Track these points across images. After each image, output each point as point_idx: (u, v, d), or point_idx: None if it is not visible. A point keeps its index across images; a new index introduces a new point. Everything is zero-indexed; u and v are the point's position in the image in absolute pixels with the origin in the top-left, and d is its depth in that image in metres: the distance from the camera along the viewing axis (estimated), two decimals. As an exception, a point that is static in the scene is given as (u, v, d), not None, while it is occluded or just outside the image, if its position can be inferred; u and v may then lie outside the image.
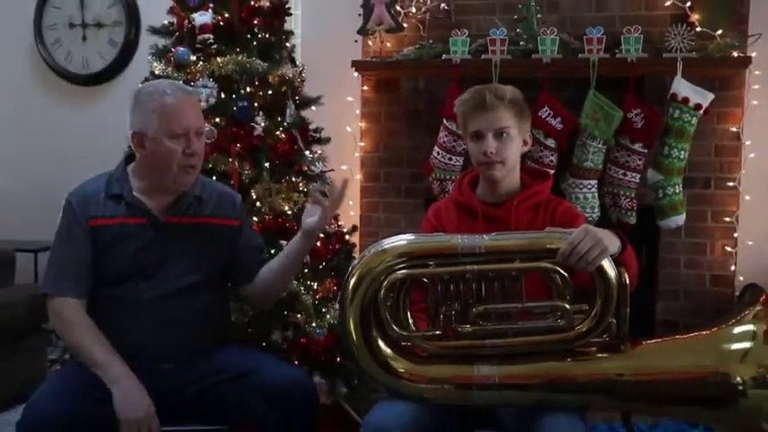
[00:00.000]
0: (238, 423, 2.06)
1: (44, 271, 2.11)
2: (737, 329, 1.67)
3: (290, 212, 2.81)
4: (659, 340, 1.81)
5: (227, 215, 2.20)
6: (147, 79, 2.97)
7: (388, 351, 1.70)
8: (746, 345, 1.64)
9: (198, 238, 2.11)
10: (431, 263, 1.70)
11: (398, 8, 3.50)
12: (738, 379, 1.59)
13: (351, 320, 1.69)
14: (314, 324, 2.73)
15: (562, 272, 1.68)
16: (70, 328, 2.00)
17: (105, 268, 2.04)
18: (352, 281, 1.69)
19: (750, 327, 1.66)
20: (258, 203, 2.77)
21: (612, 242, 1.69)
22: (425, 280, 1.74)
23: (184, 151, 2.01)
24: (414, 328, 1.75)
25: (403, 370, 1.69)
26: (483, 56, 3.33)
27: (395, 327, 1.69)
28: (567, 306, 1.68)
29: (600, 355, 1.71)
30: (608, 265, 1.66)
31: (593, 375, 1.68)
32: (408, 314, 1.75)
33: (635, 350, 1.70)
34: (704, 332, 1.74)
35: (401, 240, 1.73)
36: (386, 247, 1.71)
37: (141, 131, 2.02)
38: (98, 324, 2.01)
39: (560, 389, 1.69)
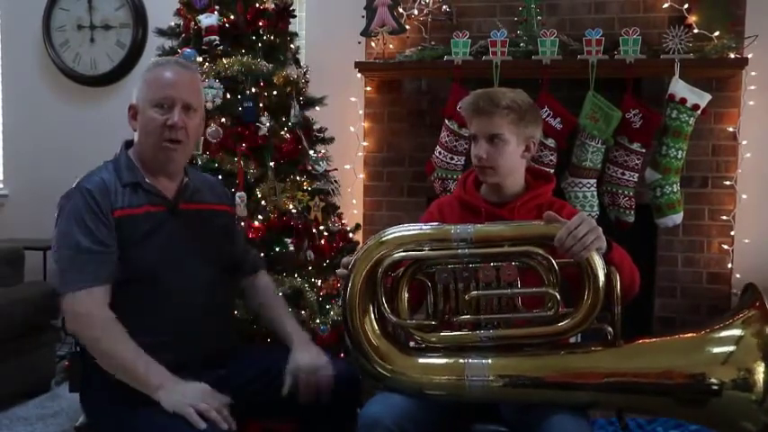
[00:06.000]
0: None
1: (57, 270, 1.86)
2: (725, 333, 1.69)
3: (294, 211, 2.84)
4: (650, 340, 1.81)
5: (224, 201, 2.15)
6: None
7: (382, 340, 1.75)
8: (730, 348, 1.66)
9: (208, 225, 2.03)
10: (426, 247, 1.75)
11: (401, 10, 3.55)
12: (714, 380, 1.62)
13: (350, 308, 1.75)
14: (318, 320, 2.76)
15: (550, 257, 1.72)
16: (96, 329, 1.78)
17: (135, 261, 1.86)
18: (354, 266, 1.75)
19: (738, 331, 1.68)
20: (263, 202, 2.80)
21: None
22: (424, 279, 1.79)
23: (165, 123, 1.88)
24: (408, 318, 1.79)
25: (395, 359, 1.73)
26: (484, 57, 3.38)
27: (391, 313, 1.74)
28: (557, 294, 1.71)
29: (593, 351, 1.74)
30: (598, 259, 1.70)
31: (585, 371, 1.70)
32: (405, 302, 1.78)
33: (626, 348, 1.72)
34: (694, 334, 1.76)
35: (399, 231, 1.78)
36: (386, 237, 1.76)
37: (135, 103, 1.94)
38: (132, 324, 1.82)
39: (550, 384, 1.71)
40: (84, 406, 1.97)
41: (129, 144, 2.02)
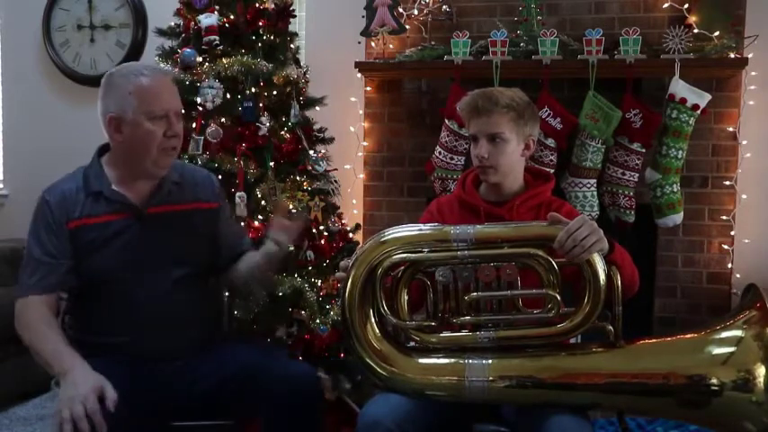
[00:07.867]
0: (244, 419, 2.04)
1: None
2: (726, 334, 1.69)
3: (294, 211, 2.84)
4: (651, 341, 1.81)
5: (206, 198, 2.14)
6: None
7: (382, 341, 1.74)
8: (731, 349, 1.66)
9: (182, 226, 2.04)
10: (426, 248, 1.74)
11: (401, 10, 3.55)
12: (715, 380, 1.62)
13: (349, 309, 1.73)
14: (318, 320, 2.77)
15: (550, 259, 1.71)
16: (27, 329, 1.87)
17: (92, 269, 1.94)
18: (353, 267, 1.74)
19: (738, 332, 1.68)
20: (263, 202, 2.81)
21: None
22: (424, 278, 1.78)
23: (165, 133, 1.94)
24: (408, 318, 1.78)
25: (394, 360, 1.72)
26: (484, 57, 3.38)
27: (391, 315, 1.74)
28: (557, 295, 1.71)
29: (593, 352, 1.74)
30: (598, 260, 1.69)
31: (585, 372, 1.70)
32: (404, 303, 1.78)
33: (626, 348, 1.72)
34: (695, 334, 1.76)
35: (399, 232, 1.77)
36: (385, 238, 1.75)
37: (119, 115, 1.94)
38: (92, 326, 1.96)
39: (551, 385, 1.71)
40: None
41: (102, 149, 2.09)
